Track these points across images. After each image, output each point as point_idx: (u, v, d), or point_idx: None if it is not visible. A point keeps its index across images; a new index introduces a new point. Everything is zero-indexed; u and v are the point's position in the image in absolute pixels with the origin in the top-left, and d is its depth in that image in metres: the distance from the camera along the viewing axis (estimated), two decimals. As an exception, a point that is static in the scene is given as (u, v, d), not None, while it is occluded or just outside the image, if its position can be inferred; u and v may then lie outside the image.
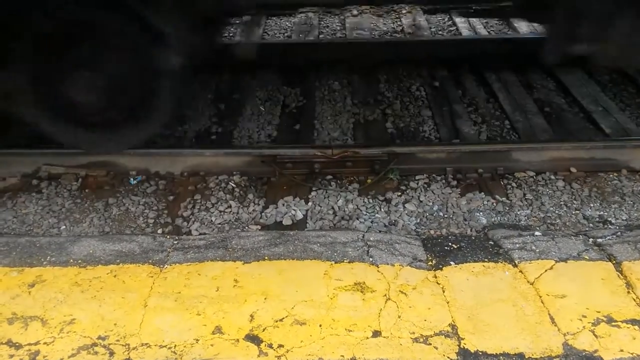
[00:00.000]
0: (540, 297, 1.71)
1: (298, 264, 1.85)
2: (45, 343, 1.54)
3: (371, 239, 2.01)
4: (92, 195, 2.53)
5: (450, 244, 2.02)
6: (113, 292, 1.72)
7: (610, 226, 2.28)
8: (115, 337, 1.56)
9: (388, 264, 1.86)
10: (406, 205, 2.45)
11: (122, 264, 1.85)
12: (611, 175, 2.61)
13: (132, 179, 2.61)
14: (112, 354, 1.50)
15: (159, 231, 2.33)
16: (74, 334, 1.57)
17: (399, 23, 4.51)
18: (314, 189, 2.56)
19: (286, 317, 1.63)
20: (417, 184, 2.58)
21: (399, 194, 2.52)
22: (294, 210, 2.42)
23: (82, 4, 2.15)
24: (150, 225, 2.38)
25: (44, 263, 1.85)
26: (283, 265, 1.85)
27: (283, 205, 2.46)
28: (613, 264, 1.85)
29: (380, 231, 2.25)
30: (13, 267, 1.83)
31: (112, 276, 1.79)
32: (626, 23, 2.12)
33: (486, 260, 1.90)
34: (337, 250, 1.92)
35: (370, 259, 1.88)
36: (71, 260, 1.86)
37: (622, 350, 1.52)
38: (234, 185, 2.58)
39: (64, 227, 2.35)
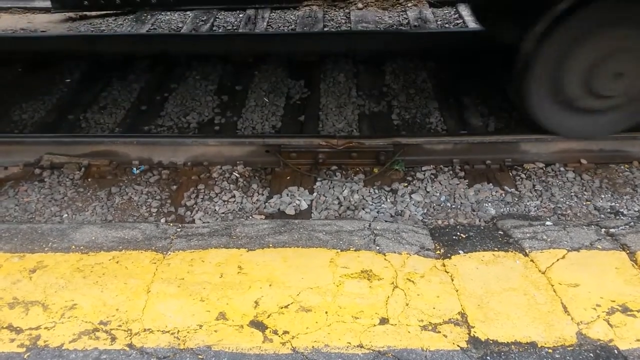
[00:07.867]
0: (553, 286, 1.67)
1: (303, 252, 1.81)
2: (46, 328, 1.51)
3: (378, 227, 1.97)
4: (94, 184, 2.50)
5: (458, 233, 1.98)
6: (115, 278, 1.69)
7: (622, 217, 2.23)
8: (117, 322, 1.53)
9: (395, 253, 1.82)
10: (413, 195, 2.41)
11: (124, 251, 1.82)
12: (622, 167, 2.56)
13: (135, 169, 2.59)
14: (113, 339, 1.47)
15: (162, 220, 2.30)
16: (75, 319, 1.54)
17: (404, 16, 4.47)
18: (318, 179, 2.52)
19: (291, 303, 1.59)
20: (424, 174, 2.54)
21: (406, 184, 2.48)
22: (299, 200, 2.38)
23: None
24: (154, 214, 2.35)
25: (46, 249, 1.83)
26: (288, 252, 1.81)
27: (287, 195, 2.42)
28: (627, 253, 1.80)
29: (386, 221, 2.21)
30: (14, 252, 1.81)
31: (114, 262, 1.76)
32: None
33: (496, 249, 1.86)
34: (343, 239, 1.88)
35: (377, 248, 1.84)
36: (73, 247, 1.83)
37: (638, 340, 1.47)
38: (237, 175, 2.55)
39: (66, 215, 2.32)
